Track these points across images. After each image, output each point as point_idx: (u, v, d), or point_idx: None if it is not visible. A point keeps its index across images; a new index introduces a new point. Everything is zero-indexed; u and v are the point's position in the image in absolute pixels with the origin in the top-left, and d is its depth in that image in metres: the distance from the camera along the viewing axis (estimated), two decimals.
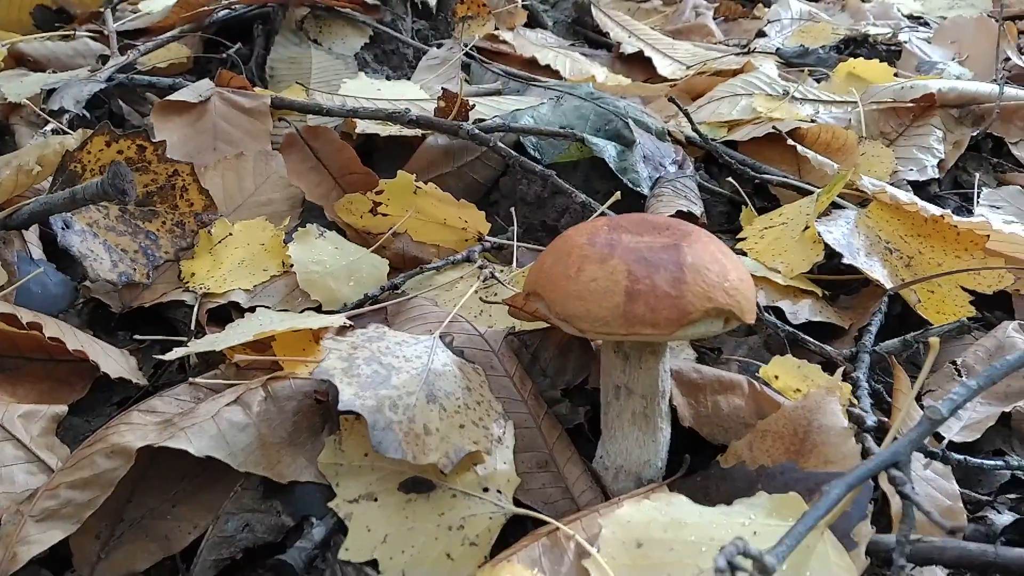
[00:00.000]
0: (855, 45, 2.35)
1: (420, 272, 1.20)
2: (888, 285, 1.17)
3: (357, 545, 0.76)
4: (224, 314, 1.15)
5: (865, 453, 0.83)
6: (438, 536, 0.77)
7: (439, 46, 2.03)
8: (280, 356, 0.98)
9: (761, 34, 2.58)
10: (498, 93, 1.79)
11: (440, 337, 0.93)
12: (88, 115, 1.55)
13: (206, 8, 1.91)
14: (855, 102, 1.75)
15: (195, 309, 1.14)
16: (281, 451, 0.85)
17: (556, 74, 2.01)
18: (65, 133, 1.43)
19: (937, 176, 1.59)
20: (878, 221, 1.28)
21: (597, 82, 1.90)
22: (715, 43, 2.51)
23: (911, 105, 1.73)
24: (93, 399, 1.05)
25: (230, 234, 1.27)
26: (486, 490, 0.81)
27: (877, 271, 1.18)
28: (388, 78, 1.91)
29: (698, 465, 0.87)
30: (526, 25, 2.40)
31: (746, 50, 2.31)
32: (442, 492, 0.79)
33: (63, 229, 1.16)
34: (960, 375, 1.04)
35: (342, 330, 1.01)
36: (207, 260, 1.24)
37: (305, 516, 0.82)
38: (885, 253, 1.23)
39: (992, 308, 1.25)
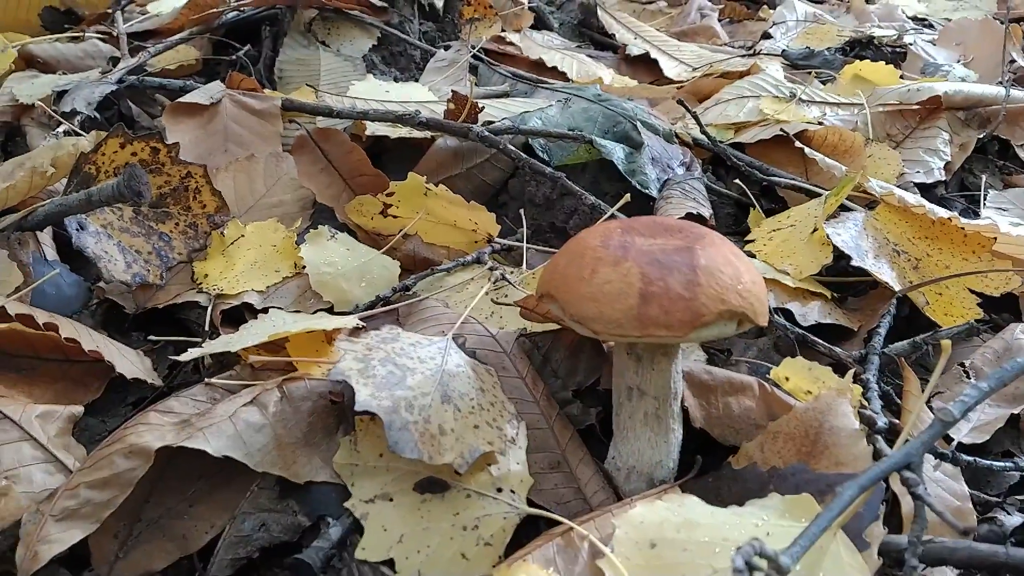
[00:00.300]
0: (860, 47, 2.36)
1: (431, 273, 1.21)
2: (896, 287, 1.17)
3: (373, 545, 0.77)
4: (238, 315, 1.16)
5: (876, 455, 0.83)
6: (453, 536, 0.77)
7: (446, 48, 2.04)
8: (294, 357, 0.98)
9: (766, 36, 2.58)
10: (506, 95, 1.80)
11: (453, 338, 0.94)
12: (99, 117, 1.56)
13: (215, 10, 1.91)
14: (861, 104, 1.76)
15: (209, 310, 1.15)
16: (297, 451, 0.85)
17: (563, 76, 2.01)
18: (77, 135, 1.44)
19: (943, 178, 1.60)
20: (886, 223, 1.28)
21: (604, 84, 1.91)
22: (720, 45, 2.52)
23: (917, 107, 1.73)
24: (108, 399, 1.05)
25: (242, 236, 1.28)
26: (500, 490, 0.81)
27: (885, 273, 1.19)
28: (396, 80, 1.91)
29: (710, 466, 0.88)
30: (532, 27, 2.40)
31: (751, 52, 2.31)
32: (456, 492, 0.80)
33: (78, 231, 1.17)
34: (969, 377, 1.05)
35: (355, 331, 1.02)
36: (220, 261, 1.25)
37: (321, 516, 0.83)
38: (893, 255, 1.24)
39: (1000, 310, 1.25)
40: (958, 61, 2.18)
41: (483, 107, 1.53)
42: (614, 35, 2.40)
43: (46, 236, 1.26)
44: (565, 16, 2.65)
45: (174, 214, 1.28)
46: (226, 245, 1.27)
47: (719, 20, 2.77)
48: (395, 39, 2.01)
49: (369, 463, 0.83)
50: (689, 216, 1.27)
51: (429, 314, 1.09)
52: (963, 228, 1.25)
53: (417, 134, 1.50)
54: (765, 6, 2.97)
